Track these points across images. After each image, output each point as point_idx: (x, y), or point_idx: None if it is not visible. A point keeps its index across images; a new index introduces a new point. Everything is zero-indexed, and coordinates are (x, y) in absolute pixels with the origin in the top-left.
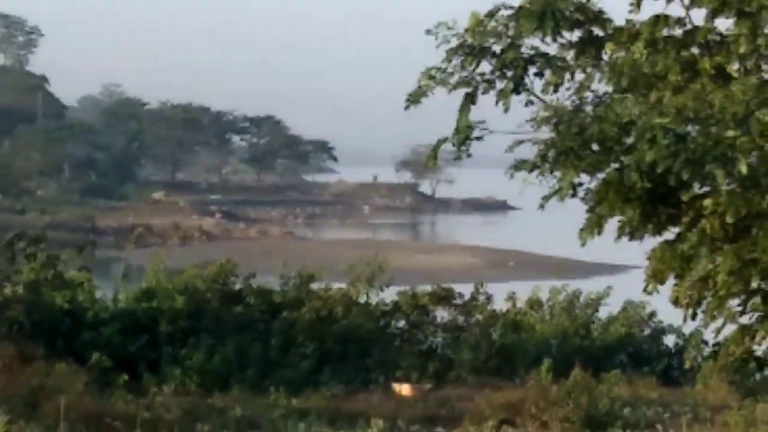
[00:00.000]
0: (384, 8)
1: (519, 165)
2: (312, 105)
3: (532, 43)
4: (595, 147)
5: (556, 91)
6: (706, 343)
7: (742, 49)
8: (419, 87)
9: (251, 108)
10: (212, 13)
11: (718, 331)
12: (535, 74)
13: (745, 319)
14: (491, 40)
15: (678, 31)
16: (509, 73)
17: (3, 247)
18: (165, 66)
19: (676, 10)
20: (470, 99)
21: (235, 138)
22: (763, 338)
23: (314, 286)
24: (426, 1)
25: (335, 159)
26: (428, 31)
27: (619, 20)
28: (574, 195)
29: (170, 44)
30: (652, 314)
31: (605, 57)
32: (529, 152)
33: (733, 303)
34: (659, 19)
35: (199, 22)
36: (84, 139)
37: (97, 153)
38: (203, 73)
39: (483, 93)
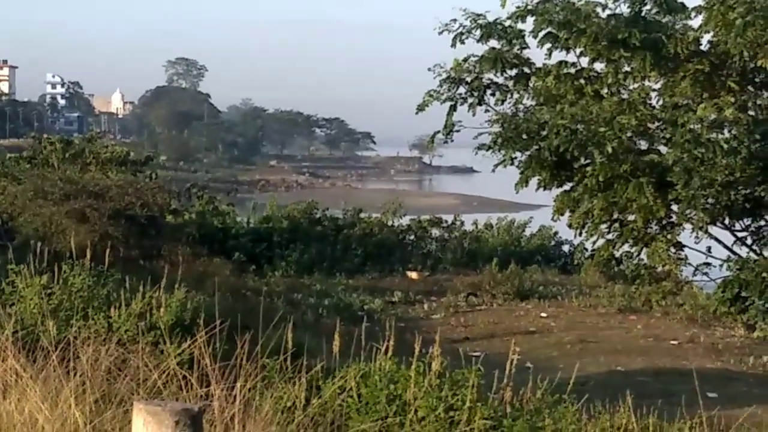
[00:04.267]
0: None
1: (480, 146)
2: (363, 107)
3: (489, 76)
4: (524, 136)
5: (502, 104)
6: (586, 249)
7: (609, 81)
8: (423, 101)
9: (327, 109)
10: (305, 49)
11: (594, 242)
12: (491, 94)
13: (609, 236)
14: (465, 74)
15: (572, 70)
16: (475, 94)
17: (184, 191)
18: (278, 81)
19: (572, 58)
20: (453, 108)
21: (317, 130)
22: (619, 247)
23: (362, 215)
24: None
25: (374, 142)
26: (429, 69)
27: (539, 63)
28: (512, 164)
29: (280, 67)
30: (556, 233)
31: (531, 84)
32: (486, 139)
33: (603, 227)
34: (562, 63)
35: (295, 52)
36: (230, 130)
37: (237, 138)
38: (300, 84)
39: (460, 105)
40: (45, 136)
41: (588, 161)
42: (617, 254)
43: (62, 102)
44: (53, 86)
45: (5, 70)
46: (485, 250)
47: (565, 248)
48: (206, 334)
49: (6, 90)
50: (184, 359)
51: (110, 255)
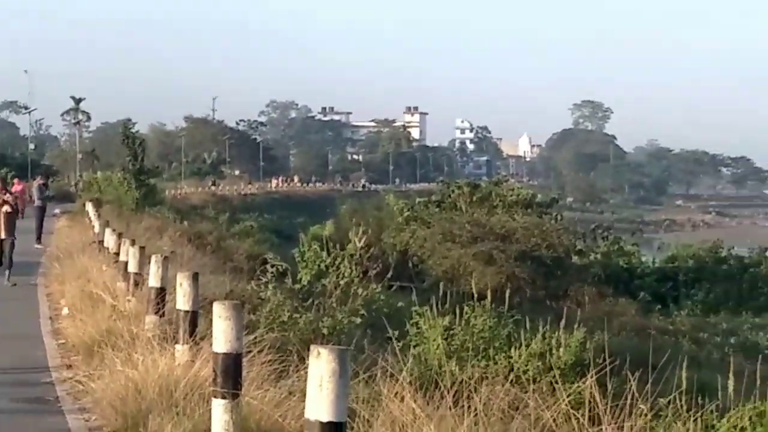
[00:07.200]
0: None
1: None
2: None
3: None
4: None
5: None
6: None
7: None
8: None
9: (733, 148)
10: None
11: None
12: None
13: None
14: None
15: None
16: None
17: (589, 232)
18: (682, 120)
19: None
20: None
21: (723, 169)
22: None
23: None
24: None
25: None
26: None
27: None
28: None
29: (685, 106)
30: None
31: None
32: None
33: None
34: None
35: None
36: (636, 171)
37: (643, 178)
38: (706, 123)
39: None
40: (454, 180)
41: None
42: None
43: (471, 146)
44: (462, 131)
45: (416, 117)
46: None
47: None
48: (602, 374)
49: (417, 136)
50: (579, 399)
51: (517, 296)
